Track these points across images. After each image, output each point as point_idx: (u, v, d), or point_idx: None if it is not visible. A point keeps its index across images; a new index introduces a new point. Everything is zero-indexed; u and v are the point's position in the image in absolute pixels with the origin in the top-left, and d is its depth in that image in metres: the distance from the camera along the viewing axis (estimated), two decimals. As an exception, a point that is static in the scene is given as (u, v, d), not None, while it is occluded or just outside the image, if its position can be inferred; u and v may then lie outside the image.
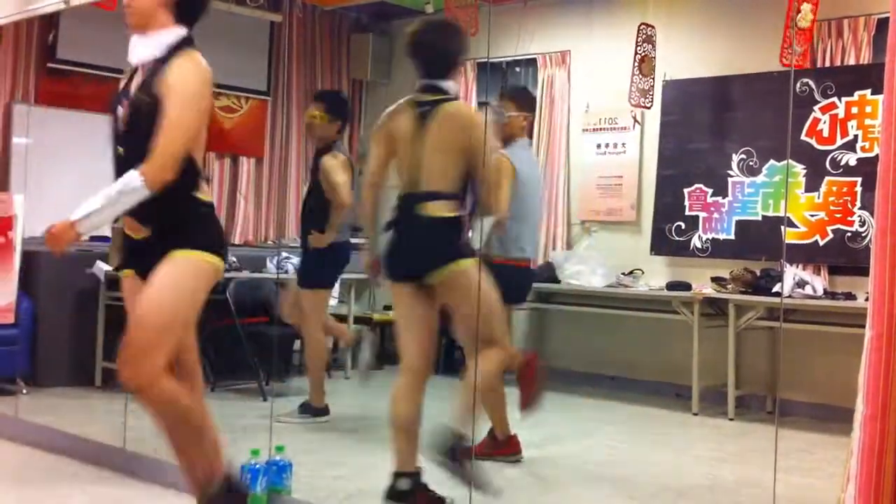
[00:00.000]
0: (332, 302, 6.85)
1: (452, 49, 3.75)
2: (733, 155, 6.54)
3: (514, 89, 5.43)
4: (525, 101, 4.83)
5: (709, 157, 6.66)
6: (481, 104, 5.47)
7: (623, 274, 6.82)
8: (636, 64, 6.64)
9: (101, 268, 6.22)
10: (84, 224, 3.01)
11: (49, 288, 6.31)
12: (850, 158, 6.06)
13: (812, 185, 6.18)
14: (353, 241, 5.66)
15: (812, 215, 6.18)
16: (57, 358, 6.30)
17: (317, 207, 5.46)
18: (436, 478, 4.27)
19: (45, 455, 4.51)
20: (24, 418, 5.01)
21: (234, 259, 6.56)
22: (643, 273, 6.84)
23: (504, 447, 4.55)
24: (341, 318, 7.71)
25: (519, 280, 4.56)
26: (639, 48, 6.64)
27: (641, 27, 6.64)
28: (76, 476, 4.17)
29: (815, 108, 6.18)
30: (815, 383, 6.08)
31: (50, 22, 6.76)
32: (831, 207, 6.11)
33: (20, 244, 5.70)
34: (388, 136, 3.75)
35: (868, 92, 5.98)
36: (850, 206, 6.04)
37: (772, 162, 6.37)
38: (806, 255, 6.19)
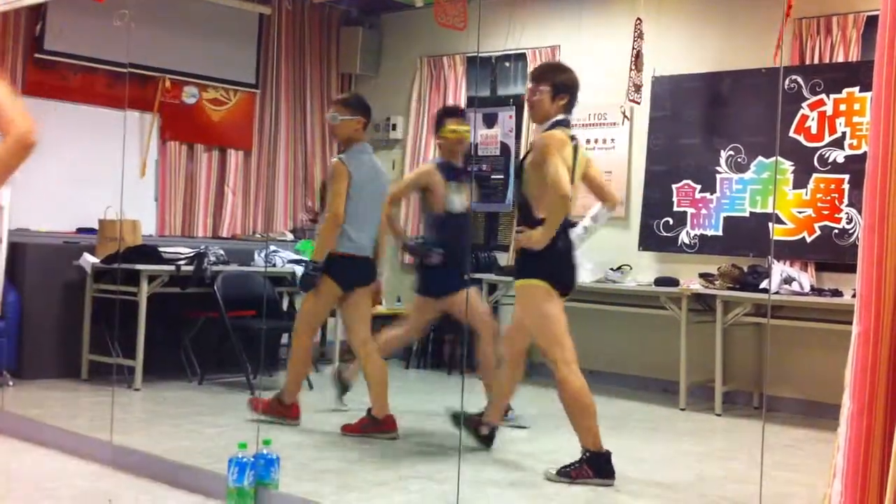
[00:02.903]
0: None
1: None
2: (722, 151, 6.55)
3: (347, 95, 5.69)
4: (358, 105, 5.14)
5: (697, 153, 6.67)
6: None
7: (611, 269, 6.83)
8: (632, 59, 6.63)
9: (88, 260, 6.18)
10: None
11: (36, 280, 6.27)
12: (838, 156, 6.08)
13: (800, 182, 6.20)
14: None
15: (800, 212, 6.20)
16: (43, 350, 6.27)
17: None
18: (426, 471, 4.28)
19: (32, 448, 4.49)
20: (11, 411, 4.99)
21: (222, 252, 6.55)
22: (631, 269, 6.85)
23: (383, 425, 4.96)
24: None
25: (357, 269, 5.04)
26: (634, 43, 6.64)
27: (637, 22, 6.64)
28: (63, 469, 4.15)
29: (804, 104, 6.20)
30: (801, 379, 6.11)
31: (37, 13, 6.72)
32: (819, 204, 6.13)
33: (6, 236, 5.67)
34: None
35: (856, 89, 6.00)
36: (837, 203, 6.06)
37: (760, 158, 6.38)
38: (793, 251, 6.21)
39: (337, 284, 5.00)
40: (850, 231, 5.97)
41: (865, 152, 2.38)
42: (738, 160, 6.47)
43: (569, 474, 4.18)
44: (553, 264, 4.26)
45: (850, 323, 2.39)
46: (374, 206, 5.09)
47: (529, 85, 4.48)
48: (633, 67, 6.65)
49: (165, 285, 6.15)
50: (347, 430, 5.00)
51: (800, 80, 6.21)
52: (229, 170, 8.00)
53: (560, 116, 4.37)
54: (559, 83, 4.43)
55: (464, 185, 5.37)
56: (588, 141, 7.31)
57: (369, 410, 5.02)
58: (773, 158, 6.28)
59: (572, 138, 4.35)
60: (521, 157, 4.54)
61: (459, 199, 5.28)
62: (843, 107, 6.07)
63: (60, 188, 6.88)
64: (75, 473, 4.09)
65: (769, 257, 6.12)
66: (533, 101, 4.44)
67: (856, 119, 6.01)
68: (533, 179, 4.29)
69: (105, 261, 6.09)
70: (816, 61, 6.23)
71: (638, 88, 6.70)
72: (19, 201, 5.98)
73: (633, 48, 6.64)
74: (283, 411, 5.14)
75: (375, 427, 4.95)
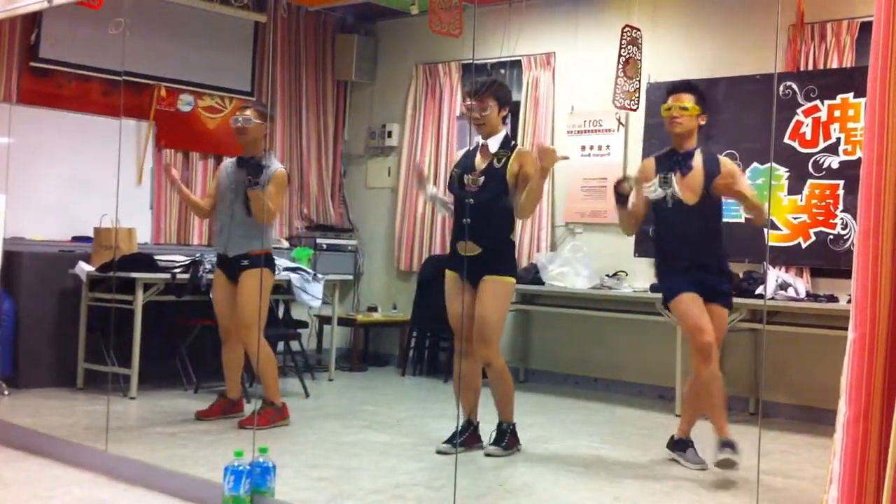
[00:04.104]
0: (316, 304, 6.83)
1: None
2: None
3: (255, 101, 5.94)
4: (266, 111, 5.53)
5: (693, 159, 6.67)
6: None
7: (607, 276, 6.84)
8: (621, 66, 6.65)
9: (84, 268, 6.17)
10: None
11: (31, 288, 6.26)
12: (833, 161, 6.09)
13: (795, 188, 6.22)
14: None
15: (795, 218, 6.21)
16: (39, 359, 6.25)
17: None
18: (423, 479, 4.28)
19: (27, 456, 4.48)
20: (6, 419, 4.97)
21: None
22: (627, 275, 6.86)
23: (283, 412, 5.31)
24: (325, 320, 7.70)
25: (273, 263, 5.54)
26: (623, 50, 6.65)
27: (626, 29, 6.65)
28: (58, 478, 4.14)
29: (799, 111, 6.21)
30: (797, 385, 6.11)
31: (32, 21, 6.72)
32: (814, 210, 6.15)
33: (2, 244, 5.67)
34: None
35: (851, 95, 6.02)
36: (832, 208, 6.07)
37: (755, 164, 6.40)
38: (788, 257, 6.22)
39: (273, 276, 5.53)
40: (845, 237, 5.98)
41: (860, 158, 2.38)
42: (734, 166, 6.47)
43: (507, 446, 4.76)
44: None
45: (846, 328, 2.40)
46: None
47: (470, 101, 4.69)
48: (623, 74, 6.67)
49: (161, 293, 6.14)
50: (244, 423, 5.19)
51: (794, 86, 6.22)
52: (225, 177, 7.98)
53: (506, 132, 4.73)
54: (502, 97, 4.74)
55: (671, 175, 4.63)
56: (583, 147, 7.32)
57: (264, 399, 5.26)
58: (767, 164, 6.29)
59: None
60: (487, 164, 4.70)
61: (662, 190, 4.63)
62: (837, 113, 6.09)
63: (56, 196, 6.87)
64: (70, 482, 4.08)
65: (764, 263, 6.13)
66: (484, 116, 4.66)
67: (850, 125, 6.02)
68: (514, 187, 4.66)
69: (100, 269, 6.08)
70: (811, 67, 6.25)
71: (629, 95, 6.71)
72: (15, 210, 5.97)
73: (622, 55, 6.65)
74: (279, 415, 5.25)
75: (280, 416, 5.26)
